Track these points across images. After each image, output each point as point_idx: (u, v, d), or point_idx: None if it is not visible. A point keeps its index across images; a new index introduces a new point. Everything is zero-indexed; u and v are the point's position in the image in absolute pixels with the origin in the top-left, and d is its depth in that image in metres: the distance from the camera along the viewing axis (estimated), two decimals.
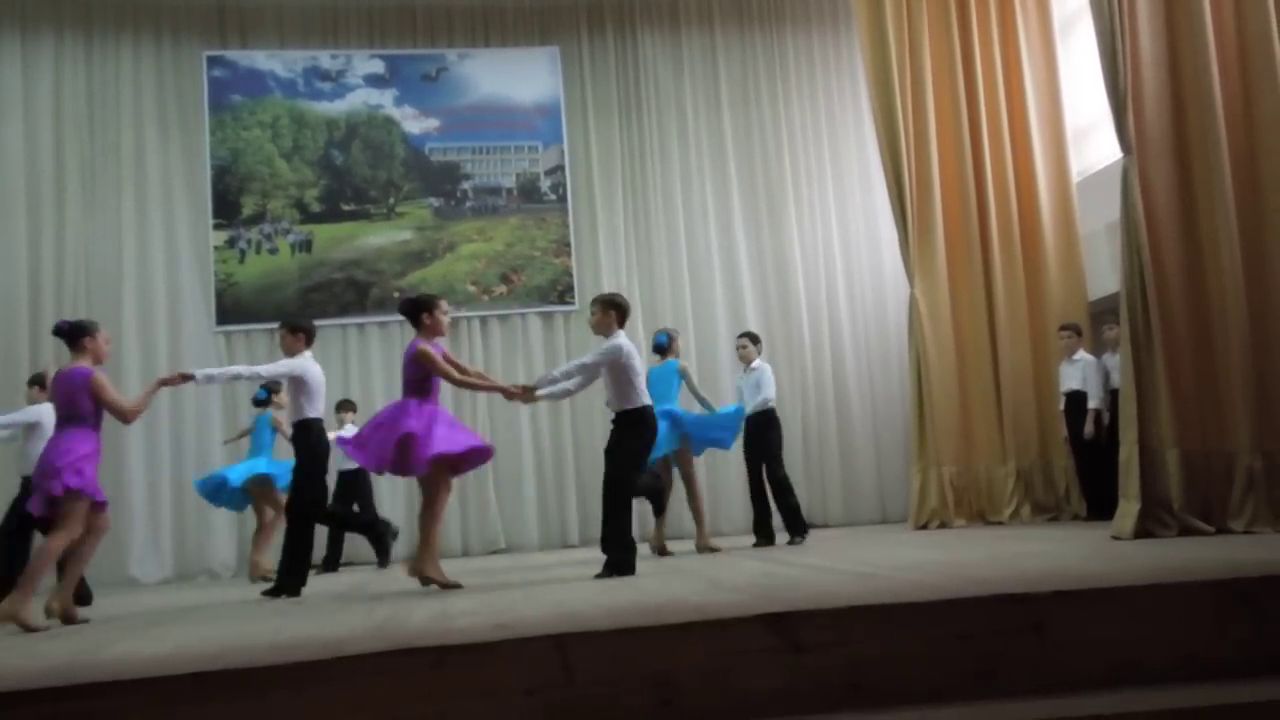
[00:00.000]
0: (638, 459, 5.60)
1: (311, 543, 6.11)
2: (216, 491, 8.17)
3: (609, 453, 5.56)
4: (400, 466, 5.37)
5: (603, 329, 5.68)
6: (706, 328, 10.29)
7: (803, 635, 2.89)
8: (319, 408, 6.12)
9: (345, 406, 8.88)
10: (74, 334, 5.31)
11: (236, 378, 6.20)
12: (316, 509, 6.10)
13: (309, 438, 6.05)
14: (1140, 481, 5.61)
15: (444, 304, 5.68)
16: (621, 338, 5.62)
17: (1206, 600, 3.05)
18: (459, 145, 10.44)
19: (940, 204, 8.71)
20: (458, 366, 5.67)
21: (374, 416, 5.67)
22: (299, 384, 6.04)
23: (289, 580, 5.90)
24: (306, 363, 6.08)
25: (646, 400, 5.60)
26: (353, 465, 8.33)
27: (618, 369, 5.52)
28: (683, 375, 7.22)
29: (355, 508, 8.67)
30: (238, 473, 8.07)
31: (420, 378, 5.46)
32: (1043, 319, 8.49)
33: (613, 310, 5.66)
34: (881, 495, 10.19)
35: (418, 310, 5.58)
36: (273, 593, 5.90)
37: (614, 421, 5.64)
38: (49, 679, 2.80)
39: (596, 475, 9.83)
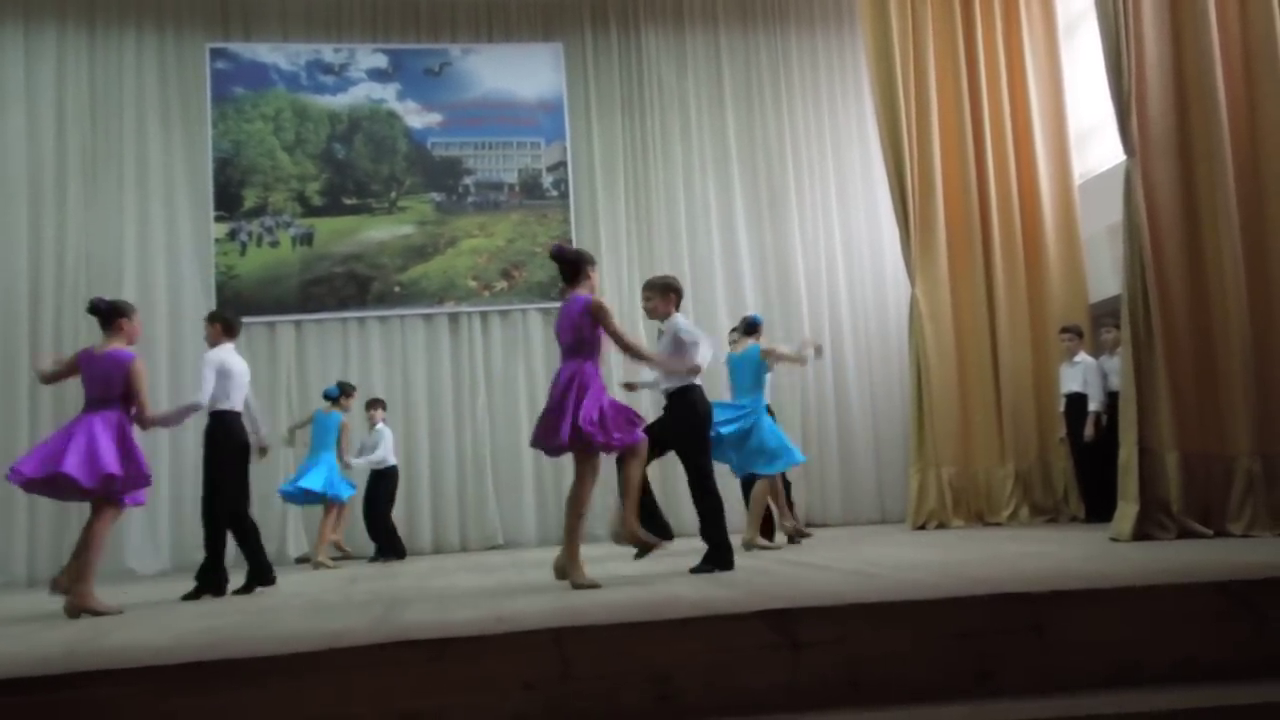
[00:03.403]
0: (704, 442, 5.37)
1: (225, 539, 6.01)
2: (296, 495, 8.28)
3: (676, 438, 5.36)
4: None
5: (664, 312, 5.48)
6: (707, 326, 10.26)
7: (801, 632, 2.89)
8: (237, 401, 6.01)
9: (375, 404, 8.91)
10: (110, 314, 5.33)
11: (193, 409, 5.95)
12: (233, 509, 5.96)
13: (223, 430, 5.95)
14: (1139, 483, 5.61)
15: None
16: (679, 317, 5.49)
17: (1205, 602, 3.05)
18: (461, 140, 10.43)
19: (942, 204, 8.71)
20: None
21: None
22: (222, 375, 5.93)
23: (210, 578, 5.84)
24: (225, 354, 6.01)
25: (695, 380, 5.40)
26: (390, 462, 8.66)
27: (683, 348, 5.34)
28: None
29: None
30: (315, 480, 8.11)
31: (592, 338, 4.82)
32: (1043, 320, 8.49)
33: (672, 294, 5.51)
34: (880, 495, 10.19)
35: (580, 263, 4.97)
36: (194, 594, 5.76)
37: (670, 403, 5.44)
38: (47, 667, 2.80)
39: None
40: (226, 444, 5.95)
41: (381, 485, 8.68)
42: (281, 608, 4.48)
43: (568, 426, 4.58)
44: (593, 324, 4.77)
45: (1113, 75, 5.94)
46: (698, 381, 5.39)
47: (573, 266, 4.97)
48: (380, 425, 8.74)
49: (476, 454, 9.90)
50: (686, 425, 5.34)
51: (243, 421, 6.07)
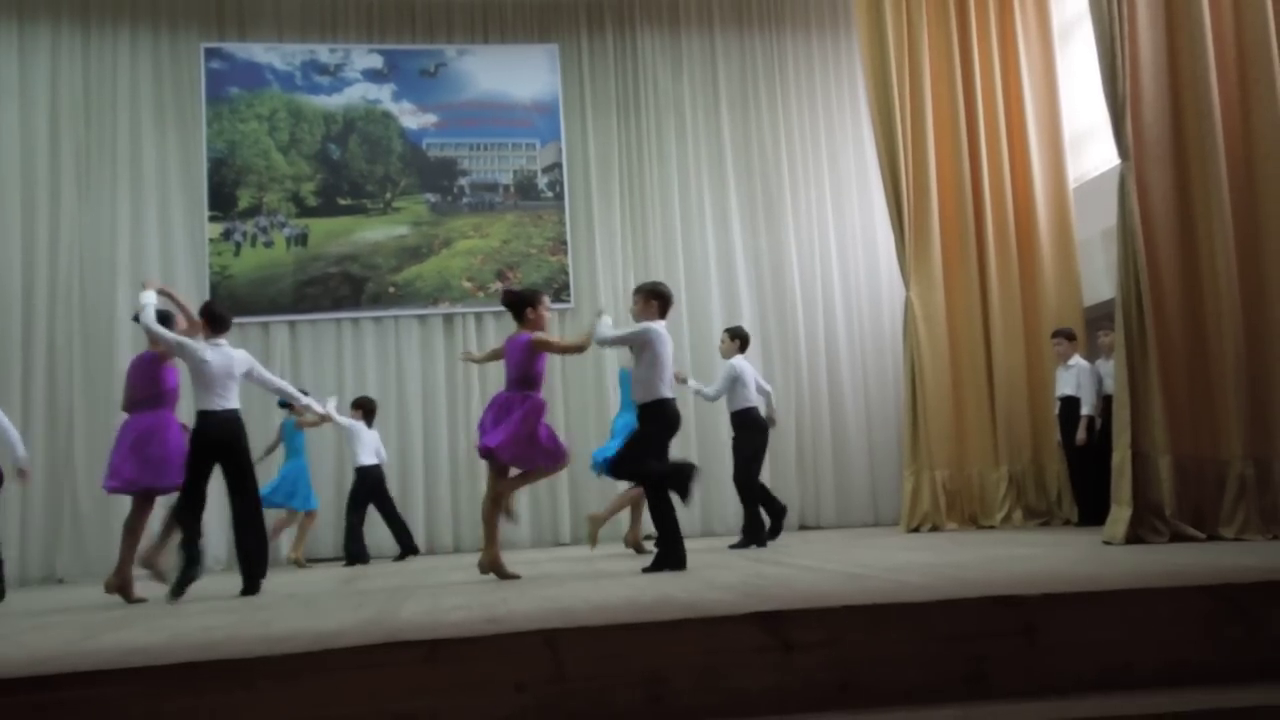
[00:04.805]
0: (649, 448, 5.42)
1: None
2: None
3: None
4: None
5: (644, 318, 5.55)
6: (702, 328, 10.28)
7: (793, 634, 2.89)
8: (216, 400, 5.55)
9: (355, 404, 8.87)
10: (518, 305, 5.70)
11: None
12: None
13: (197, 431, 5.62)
14: (1133, 487, 5.63)
15: (548, 299, 5.85)
16: (658, 325, 5.48)
17: (1197, 605, 3.05)
18: (457, 141, 10.43)
19: (937, 208, 8.72)
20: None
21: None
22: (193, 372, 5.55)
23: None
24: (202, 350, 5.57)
25: (668, 394, 5.46)
26: (370, 461, 8.60)
27: (647, 355, 5.39)
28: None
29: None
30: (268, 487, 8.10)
31: (535, 371, 5.56)
32: (1037, 324, 8.50)
33: (654, 300, 5.55)
34: (874, 497, 10.20)
35: (523, 304, 5.67)
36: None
37: (638, 414, 5.55)
38: (38, 668, 2.79)
39: (588, 475, 9.94)
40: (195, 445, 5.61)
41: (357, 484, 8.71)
42: (274, 608, 4.47)
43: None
44: (534, 358, 5.51)
45: (1107, 79, 5.95)
46: (669, 395, 5.46)
47: (515, 308, 5.68)
48: (356, 422, 8.68)
49: (470, 455, 9.87)
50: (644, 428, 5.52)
51: (225, 421, 5.60)
